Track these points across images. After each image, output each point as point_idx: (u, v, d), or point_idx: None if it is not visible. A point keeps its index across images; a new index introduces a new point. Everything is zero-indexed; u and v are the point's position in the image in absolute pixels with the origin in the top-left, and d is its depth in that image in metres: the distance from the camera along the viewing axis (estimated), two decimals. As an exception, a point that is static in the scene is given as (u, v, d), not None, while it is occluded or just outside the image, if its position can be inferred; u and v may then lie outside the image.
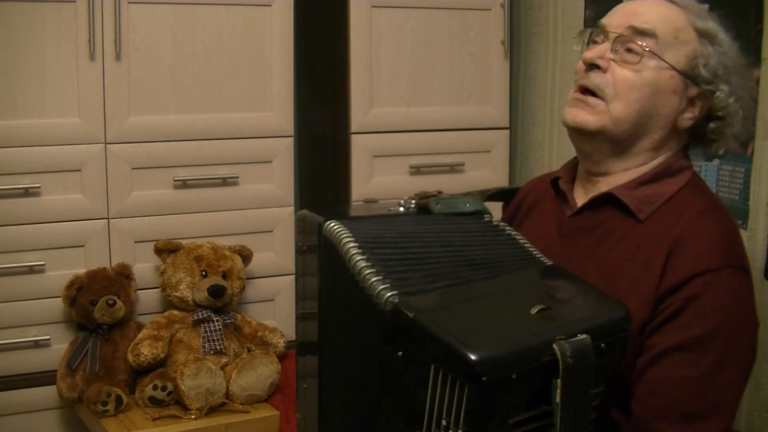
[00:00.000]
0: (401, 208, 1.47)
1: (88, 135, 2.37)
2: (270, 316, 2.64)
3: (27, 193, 2.32)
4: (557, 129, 2.82)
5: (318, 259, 1.35)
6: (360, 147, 2.68)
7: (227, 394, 2.32)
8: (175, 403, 2.30)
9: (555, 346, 1.14)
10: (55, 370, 2.34)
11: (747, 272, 1.40)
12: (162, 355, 2.33)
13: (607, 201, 1.48)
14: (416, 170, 2.76)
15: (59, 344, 2.37)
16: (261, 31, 2.53)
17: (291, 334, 2.33)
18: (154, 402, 2.27)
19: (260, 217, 2.61)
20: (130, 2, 2.36)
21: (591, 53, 1.45)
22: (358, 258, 1.25)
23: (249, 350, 2.46)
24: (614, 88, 1.43)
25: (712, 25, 1.45)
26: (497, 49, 2.83)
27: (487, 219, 1.49)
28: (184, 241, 2.47)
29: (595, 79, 1.44)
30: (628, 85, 1.42)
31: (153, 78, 2.42)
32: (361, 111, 2.67)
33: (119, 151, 2.40)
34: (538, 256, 1.42)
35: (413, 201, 1.48)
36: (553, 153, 2.86)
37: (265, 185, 2.60)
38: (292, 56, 2.59)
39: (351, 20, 2.63)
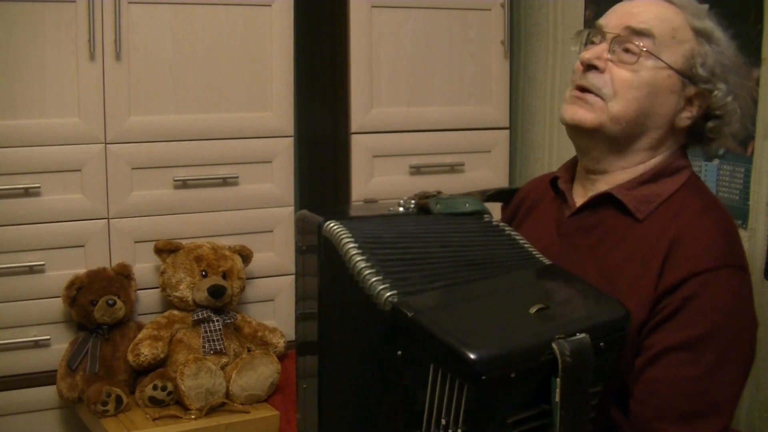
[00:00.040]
0: (401, 209, 1.47)
1: (88, 135, 2.37)
2: (270, 316, 2.64)
3: (27, 193, 2.32)
4: (557, 129, 2.82)
5: (318, 259, 1.35)
6: (360, 147, 2.69)
7: (227, 394, 2.32)
8: (175, 403, 2.30)
9: (554, 345, 1.14)
10: (55, 370, 2.35)
11: (745, 271, 1.40)
12: (162, 355, 2.33)
13: (605, 201, 1.48)
14: (416, 170, 2.76)
15: (59, 344, 2.38)
16: (261, 31, 2.54)
17: (291, 334, 2.33)
18: (154, 402, 2.27)
19: (260, 217, 2.61)
20: (130, 2, 2.36)
21: (588, 54, 1.46)
22: (358, 258, 1.25)
23: (249, 350, 2.46)
24: (612, 87, 1.43)
25: (709, 24, 1.45)
26: (497, 49, 2.83)
27: (486, 219, 1.49)
28: (184, 241, 2.48)
29: (593, 79, 1.45)
30: (625, 85, 1.42)
31: (153, 78, 2.42)
32: (361, 111, 2.67)
33: (119, 151, 2.40)
34: (537, 256, 1.42)
35: (413, 201, 1.48)
36: (553, 153, 2.86)
37: (265, 185, 2.60)
38: (292, 56, 2.59)
39: (351, 20, 2.63)
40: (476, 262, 1.34)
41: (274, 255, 2.64)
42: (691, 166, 1.51)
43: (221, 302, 2.41)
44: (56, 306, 2.37)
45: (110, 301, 2.32)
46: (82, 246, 2.39)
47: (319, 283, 1.36)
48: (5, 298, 2.32)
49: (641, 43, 1.42)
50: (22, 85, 2.29)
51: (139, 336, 2.36)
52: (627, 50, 1.43)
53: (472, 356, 1.08)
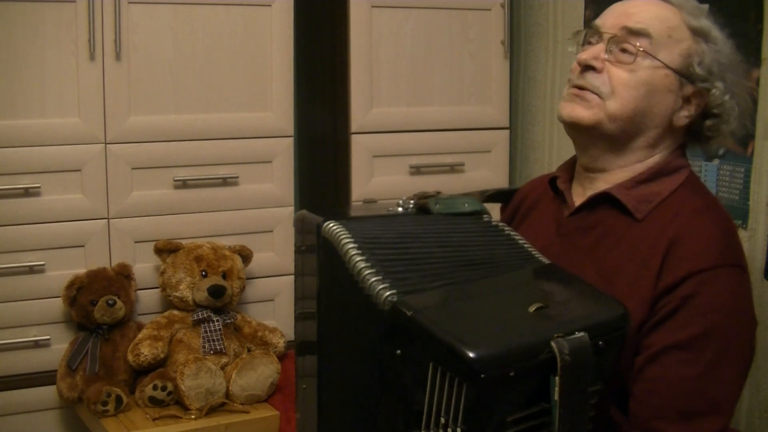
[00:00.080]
0: (400, 209, 1.47)
1: (88, 135, 2.37)
2: (270, 316, 2.64)
3: (27, 193, 2.32)
4: (557, 129, 2.82)
5: (317, 259, 1.35)
6: (360, 147, 2.69)
7: (227, 394, 2.32)
8: (175, 403, 2.30)
9: (553, 344, 1.14)
10: (55, 370, 2.35)
11: (744, 270, 1.40)
12: (162, 355, 2.33)
13: (604, 200, 1.48)
14: (416, 170, 2.76)
15: (59, 344, 2.38)
16: (261, 31, 2.54)
17: (291, 334, 2.32)
18: (154, 402, 2.27)
19: (260, 217, 2.61)
20: (130, 2, 2.36)
21: (585, 54, 1.46)
22: (357, 258, 1.25)
23: (249, 350, 2.46)
24: (610, 86, 1.43)
25: (705, 23, 1.45)
26: (497, 49, 2.83)
27: (486, 219, 1.49)
28: (184, 241, 2.48)
29: (590, 79, 1.45)
30: (623, 85, 1.43)
31: (153, 78, 2.43)
32: (361, 111, 2.67)
33: (119, 151, 2.41)
34: (536, 255, 1.42)
35: (412, 201, 1.48)
36: (553, 153, 2.86)
37: (265, 185, 2.60)
38: (292, 56, 2.59)
39: (351, 20, 2.63)
40: (475, 262, 1.34)
41: (274, 255, 2.64)
42: (690, 165, 1.51)
43: (221, 302, 2.41)
44: (56, 306, 2.37)
45: (110, 301, 2.33)
46: (82, 246, 2.39)
47: (318, 283, 1.36)
48: (5, 298, 2.32)
49: (638, 43, 1.42)
50: (22, 85, 2.29)
51: (139, 336, 2.36)
52: (624, 50, 1.43)
53: (471, 355, 1.08)
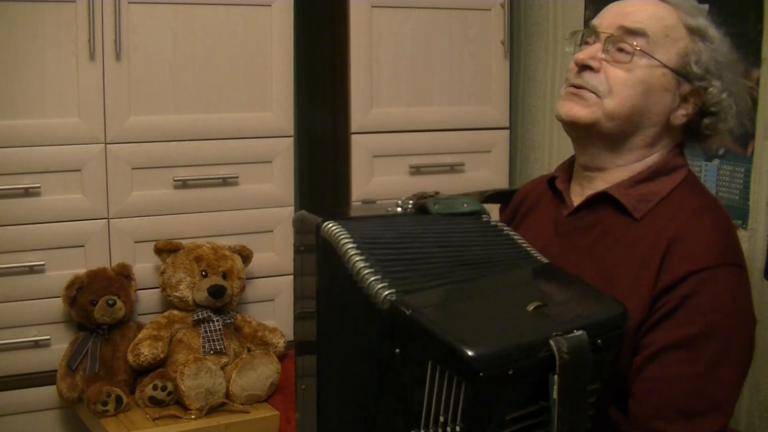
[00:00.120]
0: (399, 209, 1.47)
1: (88, 135, 2.37)
2: (270, 316, 2.64)
3: (27, 193, 2.32)
4: (557, 129, 2.82)
5: (316, 259, 1.35)
6: (360, 147, 2.69)
7: (227, 394, 2.32)
8: (175, 403, 2.30)
9: (551, 342, 1.14)
10: (55, 370, 2.35)
11: (743, 269, 1.40)
12: (162, 355, 2.33)
13: (603, 200, 1.48)
14: (416, 170, 2.76)
15: (59, 344, 2.38)
16: (261, 31, 2.54)
17: (291, 334, 2.32)
18: (154, 402, 2.27)
19: (260, 217, 2.61)
20: (130, 2, 2.36)
21: (582, 54, 1.46)
22: (356, 258, 1.25)
23: (249, 350, 2.46)
24: (607, 85, 1.44)
25: (702, 21, 1.45)
26: (497, 49, 2.83)
27: (485, 219, 1.49)
28: (184, 241, 2.48)
29: (588, 78, 1.45)
30: (621, 84, 1.43)
31: (153, 78, 2.43)
32: (361, 111, 2.67)
33: (119, 151, 2.41)
34: (535, 255, 1.42)
35: (411, 202, 1.48)
36: (553, 153, 2.86)
37: (265, 185, 2.60)
38: (292, 56, 2.60)
39: (351, 20, 2.63)
40: (474, 262, 1.34)
41: (274, 255, 2.64)
42: (688, 164, 1.51)
43: (221, 302, 2.41)
44: (56, 306, 2.37)
45: (110, 301, 2.33)
46: (82, 246, 2.39)
47: (317, 283, 1.37)
48: (5, 298, 2.32)
49: (635, 42, 1.43)
50: (22, 85, 2.29)
51: (139, 336, 2.36)
52: (621, 50, 1.44)
53: (469, 353, 1.08)
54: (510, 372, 1.11)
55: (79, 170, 2.37)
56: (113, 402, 2.23)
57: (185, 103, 2.47)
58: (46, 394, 2.37)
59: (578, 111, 1.45)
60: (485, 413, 1.12)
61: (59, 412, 2.43)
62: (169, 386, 2.27)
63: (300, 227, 1.42)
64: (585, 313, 1.25)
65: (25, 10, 2.26)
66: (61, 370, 2.33)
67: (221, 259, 2.46)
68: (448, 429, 1.12)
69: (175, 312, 2.43)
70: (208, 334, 2.39)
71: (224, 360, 2.38)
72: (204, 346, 2.37)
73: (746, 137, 2.04)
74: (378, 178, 2.72)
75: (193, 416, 2.25)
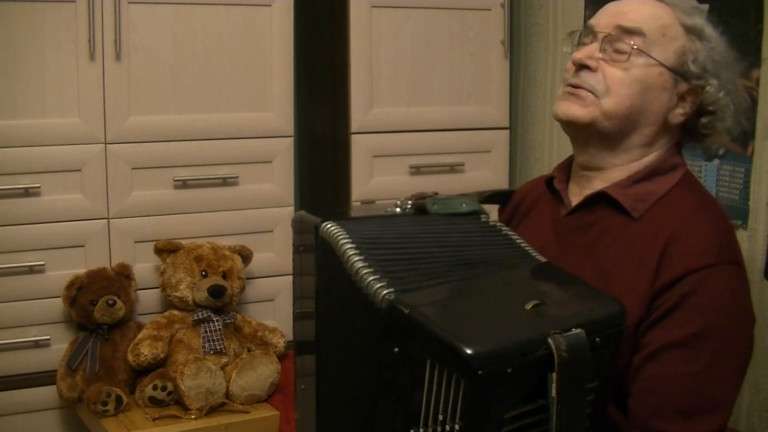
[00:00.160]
0: (398, 209, 1.47)
1: (88, 135, 2.37)
2: (270, 316, 2.64)
3: (27, 193, 2.32)
4: (557, 129, 2.81)
5: (315, 259, 1.36)
6: (360, 147, 2.69)
7: (227, 394, 2.32)
8: (175, 403, 2.30)
9: (550, 340, 1.14)
10: (55, 370, 2.35)
11: (742, 268, 1.40)
12: (162, 355, 2.33)
13: (601, 199, 1.48)
14: (416, 170, 2.76)
15: (59, 344, 2.38)
16: (261, 31, 2.54)
17: (291, 334, 2.33)
18: (154, 402, 2.27)
19: (260, 217, 2.61)
20: (130, 2, 2.37)
21: (580, 54, 1.47)
22: (355, 258, 1.25)
23: (249, 350, 2.46)
24: (605, 84, 1.44)
25: (699, 21, 1.46)
26: (497, 49, 2.83)
27: (483, 219, 1.50)
28: (184, 241, 2.48)
29: (585, 78, 1.46)
30: (618, 83, 1.43)
31: (153, 78, 2.43)
32: (361, 111, 2.67)
33: (119, 151, 2.41)
34: (534, 254, 1.42)
35: (410, 202, 1.48)
36: (553, 153, 2.86)
37: (265, 185, 2.60)
38: (292, 56, 2.60)
39: (351, 20, 2.63)
40: (473, 261, 1.34)
41: (274, 255, 2.64)
42: (686, 164, 1.51)
43: (221, 302, 2.41)
44: (56, 306, 2.37)
45: (110, 301, 2.33)
46: (82, 246, 2.40)
47: (316, 283, 1.37)
48: (5, 298, 2.32)
49: (632, 42, 1.43)
50: (22, 85, 2.29)
51: (139, 336, 2.36)
52: (618, 49, 1.44)
53: (468, 351, 1.08)
54: (509, 370, 1.11)
55: (79, 170, 2.37)
56: (113, 402, 2.23)
57: (185, 103, 2.47)
58: (46, 394, 2.37)
59: (576, 110, 1.46)
60: (484, 411, 1.12)
61: (59, 412, 2.43)
62: (169, 386, 2.27)
63: (299, 227, 1.42)
64: (583, 311, 1.25)
65: (25, 10, 2.27)
66: (61, 370, 2.34)
67: (221, 259, 2.46)
68: (447, 427, 1.12)
69: (175, 312, 2.43)
70: (208, 334, 2.39)
71: (224, 360, 2.38)
72: (204, 346, 2.37)
73: (746, 137, 2.04)
74: (378, 178, 2.72)
75: (193, 416, 2.25)
